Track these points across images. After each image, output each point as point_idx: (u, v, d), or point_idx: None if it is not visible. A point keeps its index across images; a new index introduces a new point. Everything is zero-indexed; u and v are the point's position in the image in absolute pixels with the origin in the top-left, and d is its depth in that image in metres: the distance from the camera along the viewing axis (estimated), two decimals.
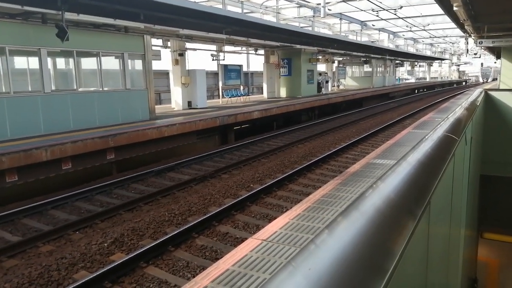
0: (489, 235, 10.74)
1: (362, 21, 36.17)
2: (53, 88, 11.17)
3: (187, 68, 17.31)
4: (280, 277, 0.94)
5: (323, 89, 28.39)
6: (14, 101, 9.89)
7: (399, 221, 1.41)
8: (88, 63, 12.62)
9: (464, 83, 73.90)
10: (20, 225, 6.89)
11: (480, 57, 30.83)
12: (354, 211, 1.37)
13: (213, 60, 18.84)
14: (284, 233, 3.65)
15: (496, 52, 28.05)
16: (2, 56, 9.77)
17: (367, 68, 37.96)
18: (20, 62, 10.99)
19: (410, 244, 1.33)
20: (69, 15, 10.17)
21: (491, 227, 10.53)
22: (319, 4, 21.58)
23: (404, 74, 64.63)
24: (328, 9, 24.05)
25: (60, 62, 12.43)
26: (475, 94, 9.65)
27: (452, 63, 75.76)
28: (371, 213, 1.35)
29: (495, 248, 10.98)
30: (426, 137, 2.93)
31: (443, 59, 63.82)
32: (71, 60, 11.69)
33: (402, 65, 49.30)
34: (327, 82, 29.58)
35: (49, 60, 11.06)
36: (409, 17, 32.24)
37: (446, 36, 46.40)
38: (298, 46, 22.98)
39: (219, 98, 22.24)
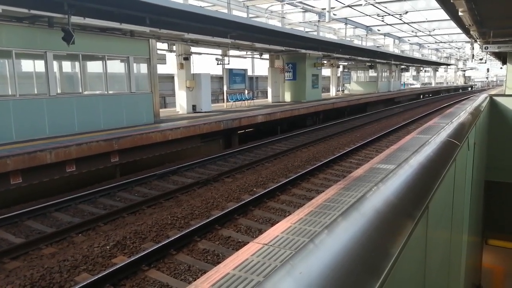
0: (495, 241, 10.62)
1: (368, 26, 36.17)
2: (58, 91, 11.25)
3: (192, 72, 17.38)
4: (277, 276, 0.94)
5: None
6: (20, 103, 9.96)
7: (398, 223, 1.41)
8: (94, 67, 12.71)
9: (469, 88, 73.60)
10: (24, 227, 6.92)
11: (486, 62, 30.70)
12: (354, 212, 1.37)
13: (218, 64, 18.92)
14: (285, 237, 3.65)
15: (502, 58, 27.90)
16: (8, 59, 9.86)
17: (372, 73, 37.90)
18: (26, 65, 11.08)
19: (408, 247, 1.33)
20: (75, 19, 10.25)
21: (497, 233, 10.43)
22: (324, 9, 21.59)
23: (410, 79, 64.48)
24: (333, 14, 24.07)
25: (66, 66, 12.53)
26: (479, 99, 9.60)
27: (458, 69, 75.52)
28: (370, 214, 1.36)
29: (501, 255, 10.86)
30: (428, 142, 2.92)
31: (449, 65, 63.63)
32: (76, 64, 11.78)
33: (407, 70, 49.20)
34: None
35: (55, 63, 11.15)
36: (414, 22, 32.20)
37: (452, 42, 46.28)
38: (303, 51, 23.01)
39: (223, 102, 22.29)
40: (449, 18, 15.33)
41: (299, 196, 8.27)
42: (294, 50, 22.22)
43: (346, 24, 32.24)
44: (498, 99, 10.57)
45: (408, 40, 45.37)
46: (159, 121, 13.92)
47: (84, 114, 11.47)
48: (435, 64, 56.33)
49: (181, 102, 17.71)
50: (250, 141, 15.14)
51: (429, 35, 37.46)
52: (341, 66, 35.93)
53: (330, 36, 34.04)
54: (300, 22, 29.59)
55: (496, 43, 18.97)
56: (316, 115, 21.54)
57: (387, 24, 32.28)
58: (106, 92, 12.35)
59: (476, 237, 7.86)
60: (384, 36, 40.25)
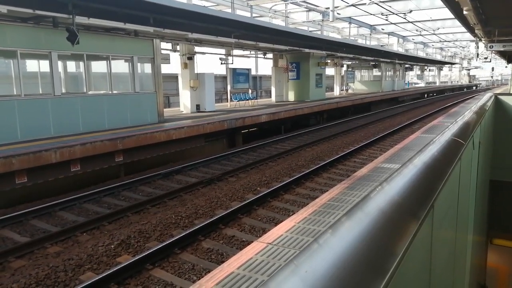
0: (499, 241, 10.57)
1: (372, 25, 36.04)
2: (63, 91, 11.30)
3: (196, 72, 17.40)
4: (282, 274, 0.95)
5: None
6: (24, 103, 10.01)
7: (403, 223, 1.40)
8: (98, 67, 12.75)
9: (474, 87, 73.27)
10: (29, 226, 6.96)
11: (490, 61, 30.52)
12: (358, 211, 1.37)
13: (221, 63, 18.92)
14: (289, 237, 3.64)
15: (507, 57, 27.76)
16: (13, 59, 9.91)
17: (376, 72, 37.79)
18: (31, 65, 11.13)
19: (413, 246, 1.33)
20: (79, 19, 10.29)
21: (502, 233, 10.37)
22: (328, 8, 21.57)
23: (414, 78, 64.24)
24: (337, 13, 24.04)
25: (71, 66, 12.57)
26: (484, 98, 9.55)
27: (463, 68, 75.16)
28: (375, 214, 1.35)
29: (506, 255, 10.81)
30: (432, 141, 2.91)
31: (453, 63, 63.34)
32: (81, 64, 11.81)
33: (411, 69, 49.00)
34: None
35: (59, 63, 11.19)
36: (418, 21, 32.05)
37: (456, 40, 46.04)
38: (306, 50, 22.97)
39: (227, 101, 22.31)
40: (454, 17, 15.26)
41: (303, 195, 8.26)
42: (297, 49, 22.19)
43: (350, 23, 32.13)
44: (503, 98, 10.51)
45: (412, 39, 45.17)
46: (163, 120, 13.95)
47: (88, 114, 11.52)
48: (440, 63, 56.07)
49: (185, 102, 17.74)
50: (254, 141, 15.14)
51: (434, 34, 37.28)
52: (345, 65, 35.86)
53: (334, 35, 33.97)
54: (304, 22, 29.53)
55: (501, 42, 18.85)
56: (320, 114, 21.51)
57: (391, 23, 32.17)
58: (110, 92, 12.39)
59: (481, 237, 7.83)
60: (388, 35, 40.08)
